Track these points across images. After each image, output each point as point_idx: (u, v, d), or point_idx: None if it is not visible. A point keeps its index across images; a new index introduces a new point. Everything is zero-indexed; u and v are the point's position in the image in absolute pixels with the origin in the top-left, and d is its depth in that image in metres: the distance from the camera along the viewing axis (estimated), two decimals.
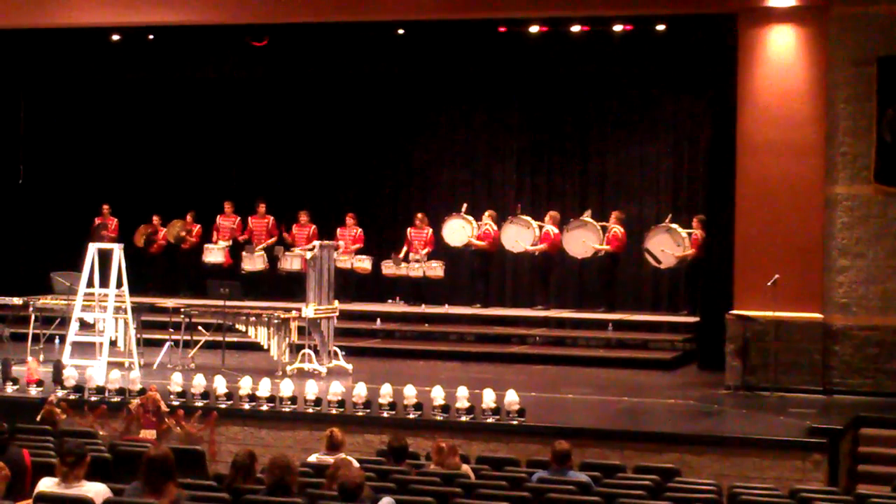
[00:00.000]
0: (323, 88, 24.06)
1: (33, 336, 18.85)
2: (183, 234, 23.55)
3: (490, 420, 14.60)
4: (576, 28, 20.16)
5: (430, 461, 11.82)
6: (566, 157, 23.51)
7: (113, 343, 18.06)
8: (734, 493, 11.11)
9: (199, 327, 18.85)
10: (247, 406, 15.43)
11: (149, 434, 14.26)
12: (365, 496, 9.56)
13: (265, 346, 18.07)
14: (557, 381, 17.91)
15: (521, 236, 22.14)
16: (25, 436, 12.24)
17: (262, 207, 23.63)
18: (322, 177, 24.37)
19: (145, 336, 18.99)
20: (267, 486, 9.62)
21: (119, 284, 17.84)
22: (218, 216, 23.84)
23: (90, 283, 17.85)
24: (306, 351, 17.99)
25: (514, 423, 14.52)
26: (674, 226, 21.37)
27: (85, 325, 18.23)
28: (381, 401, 14.98)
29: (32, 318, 19.02)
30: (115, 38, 21.63)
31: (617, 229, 21.59)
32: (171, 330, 18.78)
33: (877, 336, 16.68)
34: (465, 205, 22.75)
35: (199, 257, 23.55)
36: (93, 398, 15.75)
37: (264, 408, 15.37)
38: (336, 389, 15.20)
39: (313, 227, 23.13)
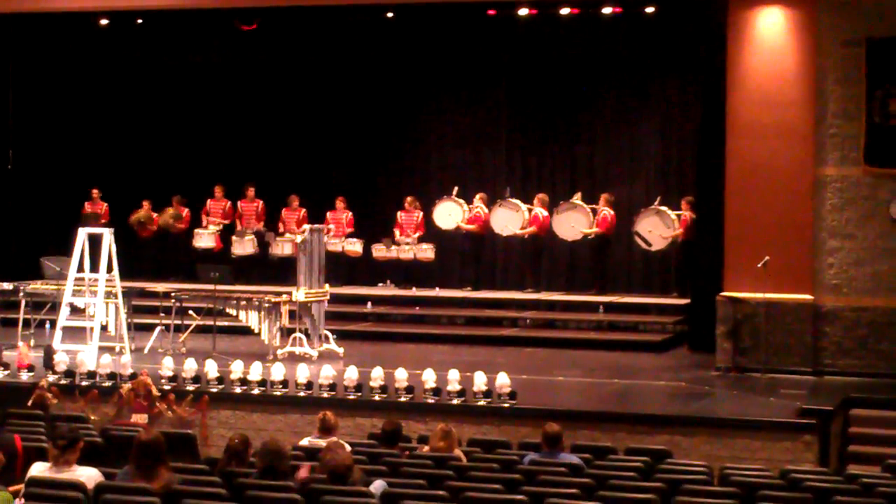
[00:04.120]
0: (312, 72, 24.02)
1: (24, 321, 18.82)
2: (171, 220, 23.51)
3: (481, 403, 14.61)
4: (565, 11, 20.20)
5: (426, 444, 11.82)
6: (556, 140, 23.50)
7: (104, 328, 18.04)
8: (725, 474, 11.13)
9: (190, 311, 18.84)
10: (238, 390, 15.43)
11: (140, 418, 14.26)
12: (357, 479, 9.59)
13: (256, 331, 18.07)
14: (548, 363, 17.92)
15: (510, 220, 22.13)
16: (17, 421, 12.25)
17: (251, 191, 23.61)
18: (312, 161, 24.34)
19: (136, 321, 18.96)
20: (258, 470, 9.64)
21: (109, 269, 17.83)
22: (208, 200, 23.82)
23: (80, 268, 17.83)
24: (297, 335, 17.98)
25: (506, 405, 14.53)
26: (663, 208, 21.37)
27: (75, 310, 18.21)
28: (372, 384, 14.99)
29: (23, 303, 18.98)
30: (104, 22, 21.61)
31: (606, 212, 21.59)
32: (162, 314, 18.76)
33: (867, 317, 16.71)
34: (455, 188, 22.75)
35: (189, 242, 23.54)
36: (84, 383, 15.75)
37: (255, 392, 15.37)
38: (327, 373, 15.20)
39: (303, 210, 23.13)
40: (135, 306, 19.09)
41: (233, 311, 18.33)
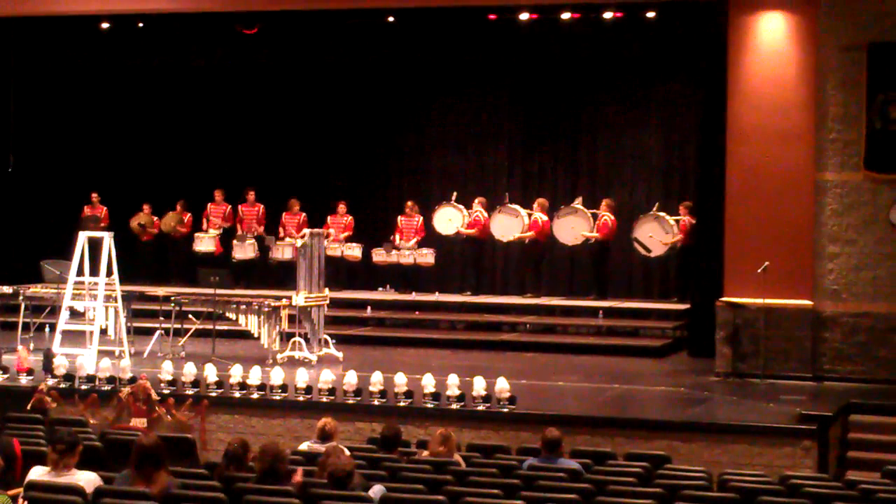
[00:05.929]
0: (313, 76, 24.04)
1: (23, 325, 18.79)
2: (174, 224, 23.51)
3: (480, 407, 14.60)
4: (566, 15, 20.20)
5: (425, 449, 11.82)
6: (557, 145, 23.53)
7: (103, 331, 18.02)
8: (724, 479, 11.13)
9: (190, 315, 18.83)
10: (237, 394, 15.43)
11: (139, 422, 14.22)
12: (356, 484, 9.59)
13: (255, 335, 18.05)
14: (548, 368, 17.91)
15: (509, 225, 22.13)
16: (16, 424, 12.25)
17: (251, 195, 23.59)
18: (312, 165, 24.35)
19: (135, 324, 18.96)
20: (257, 474, 9.63)
21: (109, 273, 17.81)
22: (209, 204, 23.81)
23: (80, 272, 17.83)
24: (297, 339, 17.98)
25: (505, 410, 14.52)
26: (661, 214, 21.38)
27: (75, 314, 18.20)
28: (371, 389, 14.97)
29: (22, 306, 18.94)
30: (105, 26, 21.59)
31: (607, 217, 21.58)
32: (162, 318, 18.74)
33: (867, 323, 16.70)
34: (454, 193, 22.75)
35: (189, 246, 23.53)
36: (83, 387, 15.72)
37: (255, 396, 15.36)
38: (326, 377, 15.19)
39: (304, 215, 23.11)
40: (134, 310, 19.07)
41: (232, 315, 18.32)
